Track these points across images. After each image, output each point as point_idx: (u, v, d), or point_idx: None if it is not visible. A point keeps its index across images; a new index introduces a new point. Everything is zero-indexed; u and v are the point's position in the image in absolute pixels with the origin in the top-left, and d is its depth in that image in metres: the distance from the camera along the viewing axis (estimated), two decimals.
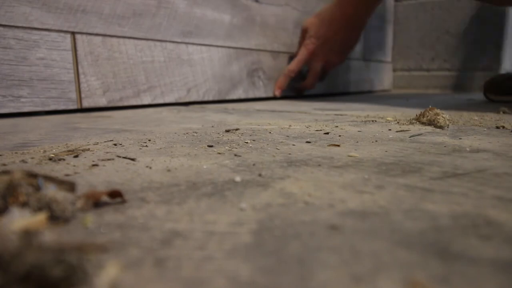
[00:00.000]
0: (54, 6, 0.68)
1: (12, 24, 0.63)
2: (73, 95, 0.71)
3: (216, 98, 0.98)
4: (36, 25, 0.66)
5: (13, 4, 0.63)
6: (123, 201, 0.22)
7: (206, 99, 0.96)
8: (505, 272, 0.14)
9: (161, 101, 0.86)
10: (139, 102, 0.82)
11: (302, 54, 1.10)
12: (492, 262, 0.15)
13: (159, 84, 0.86)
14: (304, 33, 1.12)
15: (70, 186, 0.21)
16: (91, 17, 0.73)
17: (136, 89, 0.81)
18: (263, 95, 1.12)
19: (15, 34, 0.64)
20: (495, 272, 0.14)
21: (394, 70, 1.78)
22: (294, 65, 1.12)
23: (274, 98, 1.15)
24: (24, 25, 0.64)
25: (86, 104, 0.73)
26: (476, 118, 0.62)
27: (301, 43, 1.14)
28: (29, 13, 0.65)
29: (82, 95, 0.72)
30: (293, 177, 0.27)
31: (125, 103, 0.80)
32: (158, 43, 0.85)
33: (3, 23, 0.62)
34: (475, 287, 0.13)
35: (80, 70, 0.72)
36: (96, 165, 0.30)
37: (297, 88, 1.18)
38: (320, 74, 1.15)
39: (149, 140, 0.41)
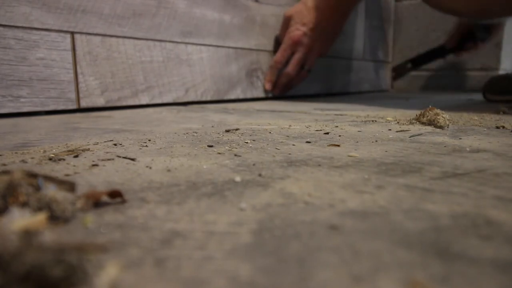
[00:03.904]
0: (54, 6, 0.68)
1: (12, 24, 0.63)
2: (73, 95, 0.71)
3: (214, 98, 0.98)
4: (36, 25, 0.66)
5: (13, 4, 0.63)
6: (123, 201, 0.22)
7: (204, 99, 0.96)
8: (505, 272, 0.14)
9: (159, 101, 0.86)
10: (137, 102, 0.82)
11: (287, 43, 1.05)
12: (492, 262, 0.15)
13: (157, 84, 0.86)
14: (287, 21, 1.07)
15: (70, 186, 0.21)
16: (91, 17, 0.73)
17: (134, 89, 0.81)
18: (261, 95, 1.12)
19: (15, 34, 0.64)
20: (495, 272, 0.14)
21: None
22: (279, 55, 1.07)
23: (273, 98, 1.15)
24: (24, 25, 0.64)
25: (84, 104, 0.73)
26: (476, 118, 0.62)
27: (282, 33, 1.09)
28: (29, 13, 0.65)
29: (80, 95, 0.72)
30: (293, 177, 0.27)
31: (123, 103, 0.80)
32: (157, 43, 0.85)
33: (3, 23, 0.62)
34: (475, 287, 0.13)
35: (79, 70, 0.72)
36: (96, 165, 0.30)
37: (282, 82, 1.10)
38: (303, 62, 1.09)
39: (149, 140, 0.41)
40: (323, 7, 1.03)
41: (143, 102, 0.83)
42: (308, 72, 1.12)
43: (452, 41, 1.31)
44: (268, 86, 1.10)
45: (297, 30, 1.04)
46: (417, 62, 1.47)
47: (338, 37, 1.14)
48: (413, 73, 1.72)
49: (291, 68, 1.07)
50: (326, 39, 1.10)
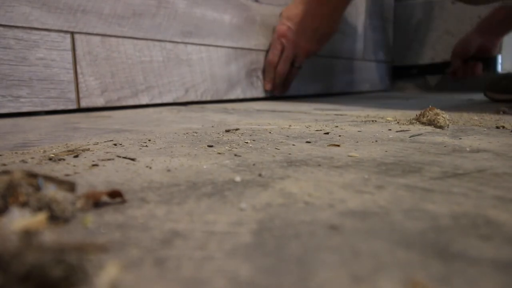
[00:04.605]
0: (54, 6, 0.68)
1: (12, 24, 0.63)
2: (73, 95, 0.71)
3: (214, 98, 0.99)
4: (36, 25, 0.66)
5: (13, 4, 0.63)
6: (123, 201, 0.22)
7: (204, 99, 0.96)
8: (505, 272, 0.14)
9: (158, 101, 0.86)
10: (136, 102, 0.82)
11: (274, 38, 1.06)
12: (492, 262, 0.15)
13: (157, 84, 0.86)
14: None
15: (70, 186, 0.21)
16: (91, 17, 0.73)
17: (134, 89, 0.81)
18: (261, 95, 1.12)
19: (15, 34, 0.64)
20: (495, 272, 0.14)
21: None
22: (270, 54, 1.07)
23: (273, 98, 1.15)
24: (24, 25, 0.64)
25: (83, 104, 0.73)
26: (476, 118, 0.62)
27: None
28: (29, 13, 0.65)
29: (80, 95, 0.72)
30: (293, 177, 0.27)
31: (123, 103, 0.80)
32: (157, 43, 0.85)
33: (3, 23, 0.62)
34: (475, 287, 0.13)
35: (79, 70, 0.72)
36: (96, 165, 0.30)
37: (277, 82, 1.10)
38: (292, 59, 1.07)
39: (149, 140, 0.41)
40: (309, 1, 1.02)
41: (143, 102, 0.83)
42: (298, 69, 1.11)
43: (453, 69, 1.29)
44: (268, 86, 1.10)
45: (282, 25, 1.04)
46: (424, 71, 1.48)
47: (330, 36, 1.11)
48: (414, 73, 1.73)
49: (280, 66, 1.07)
50: (314, 36, 1.06)
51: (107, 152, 0.35)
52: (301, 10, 1.02)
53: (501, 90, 0.98)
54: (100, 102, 0.76)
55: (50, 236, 0.13)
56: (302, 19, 1.03)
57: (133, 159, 0.32)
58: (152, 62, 0.84)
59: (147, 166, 0.30)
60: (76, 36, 0.71)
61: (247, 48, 1.06)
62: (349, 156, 0.34)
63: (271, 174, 0.28)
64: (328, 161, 0.32)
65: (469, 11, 1.57)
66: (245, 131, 0.48)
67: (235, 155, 0.34)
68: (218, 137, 0.43)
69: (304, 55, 1.09)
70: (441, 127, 0.51)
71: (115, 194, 0.22)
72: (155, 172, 0.28)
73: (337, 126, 0.53)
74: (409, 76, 1.60)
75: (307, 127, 0.52)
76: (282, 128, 0.51)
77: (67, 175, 0.27)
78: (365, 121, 0.59)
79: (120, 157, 0.33)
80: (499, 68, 1.29)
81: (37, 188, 0.19)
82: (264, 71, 1.11)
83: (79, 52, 0.72)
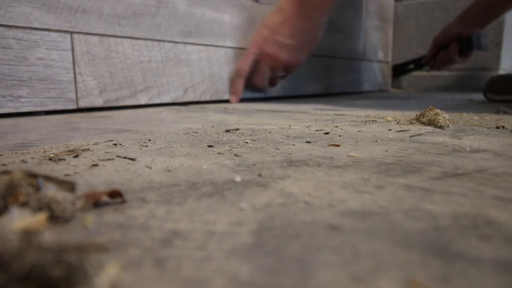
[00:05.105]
0: (54, 6, 0.68)
1: (12, 24, 0.63)
2: (72, 95, 0.71)
3: (213, 98, 0.98)
4: (36, 25, 0.66)
5: (13, 4, 0.63)
6: (123, 201, 0.22)
7: (203, 99, 0.96)
8: (505, 272, 0.14)
9: (157, 101, 0.86)
10: (135, 102, 0.82)
11: (249, 48, 0.95)
12: (492, 262, 0.15)
13: (155, 84, 0.86)
14: None
15: (70, 186, 0.21)
16: (91, 17, 0.73)
17: (132, 89, 0.81)
18: (260, 95, 1.11)
19: (15, 34, 0.64)
20: (495, 272, 0.14)
21: None
22: (241, 62, 0.95)
23: (273, 98, 1.15)
24: (24, 25, 0.64)
25: (82, 104, 0.73)
26: (476, 118, 0.62)
27: None
28: (29, 13, 0.65)
29: (78, 95, 0.72)
30: (293, 177, 0.27)
31: (121, 103, 0.80)
32: (156, 43, 0.85)
33: (3, 23, 0.62)
34: (475, 287, 0.13)
35: (77, 70, 0.72)
36: (96, 165, 0.30)
37: (253, 89, 0.99)
38: (266, 72, 0.95)
39: (149, 140, 0.41)
40: (286, 8, 0.94)
41: (142, 102, 0.83)
42: (278, 78, 1.01)
43: (429, 55, 1.28)
44: (233, 99, 0.96)
45: (258, 33, 0.95)
46: (419, 64, 1.48)
47: (311, 46, 1.00)
48: (413, 73, 1.73)
49: (255, 79, 0.96)
50: (293, 47, 0.96)
51: (107, 152, 0.35)
52: (276, 17, 0.95)
53: (500, 91, 0.98)
54: (98, 102, 0.76)
55: (50, 236, 0.13)
56: (278, 25, 0.94)
57: (133, 159, 0.32)
58: (151, 62, 0.84)
59: (147, 166, 0.30)
60: (75, 36, 0.71)
61: (247, 48, 1.05)
62: (349, 156, 0.34)
63: (271, 174, 0.28)
64: (328, 161, 0.32)
65: None
66: (245, 131, 0.48)
67: (235, 155, 0.34)
68: (218, 137, 0.43)
69: (281, 65, 0.98)
70: (441, 127, 0.51)
71: (115, 194, 0.22)
72: (155, 172, 0.28)
73: (337, 126, 0.53)
74: (408, 74, 1.60)
75: (307, 127, 0.52)
76: (282, 128, 0.51)
77: (67, 175, 0.27)
78: (365, 121, 0.59)
79: (120, 157, 0.33)
80: (483, 46, 1.24)
81: (37, 188, 0.19)
82: (234, 80, 0.96)
83: (77, 52, 0.72)
